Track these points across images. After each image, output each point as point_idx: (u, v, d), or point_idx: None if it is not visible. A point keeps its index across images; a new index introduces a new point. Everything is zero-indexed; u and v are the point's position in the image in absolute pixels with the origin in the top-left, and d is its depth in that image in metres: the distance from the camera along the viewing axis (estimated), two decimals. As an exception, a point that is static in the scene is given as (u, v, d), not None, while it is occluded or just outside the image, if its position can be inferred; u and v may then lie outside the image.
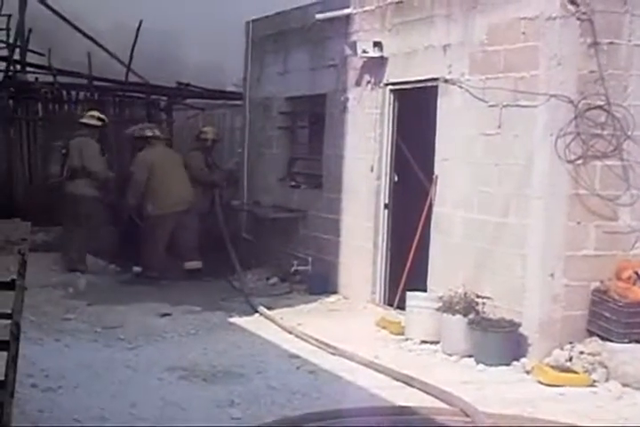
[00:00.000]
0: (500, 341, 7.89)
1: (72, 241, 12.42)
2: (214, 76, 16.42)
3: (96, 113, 12.98)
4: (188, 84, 15.81)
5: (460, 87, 8.91)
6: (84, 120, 12.82)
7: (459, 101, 8.98)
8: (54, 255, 12.71)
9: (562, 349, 7.74)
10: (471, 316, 8.18)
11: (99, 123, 12.76)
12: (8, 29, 15.02)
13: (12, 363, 4.70)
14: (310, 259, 11.66)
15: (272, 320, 9.71)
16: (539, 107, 7.95)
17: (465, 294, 8.34)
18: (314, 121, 12.36)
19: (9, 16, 15.00)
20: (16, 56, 15.08)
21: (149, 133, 12.75)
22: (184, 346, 8.60)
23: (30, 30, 15.06)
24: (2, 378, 4.90)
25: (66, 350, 8.36)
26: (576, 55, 7.86)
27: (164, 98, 15.27)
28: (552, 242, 7.90)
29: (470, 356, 8.07)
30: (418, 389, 7.13)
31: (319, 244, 11.57)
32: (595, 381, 7.39)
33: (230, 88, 16.19)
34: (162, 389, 7.11)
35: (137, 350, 8.43)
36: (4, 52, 15.10)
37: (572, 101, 7.84)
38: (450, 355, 8.23)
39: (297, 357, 8.19)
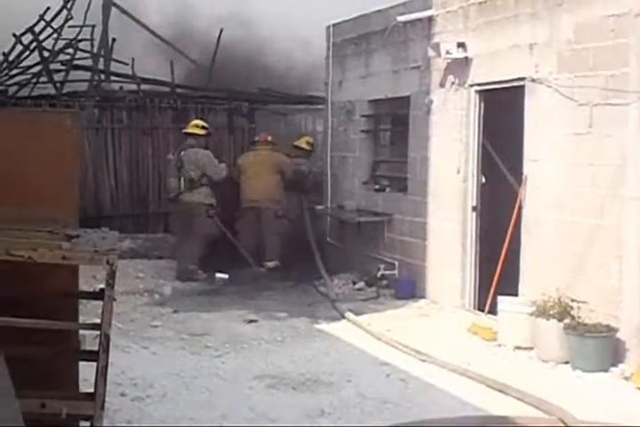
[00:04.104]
0: (598, 346, 7.64)
1: (187, 250, 12.53)
2: (295, 81, 16.38)
3: (200, 122, 13.32)
4: (269, 90, 15.81)
5: (549, 86, 8.70)
6: (188, 130, 13.11)
7: (547, 101, 8.77)
8: (140, 262, 12.83)
9: (661, 354, 7.48)
10: (567, 321, 7.93)
11: (203, 131, 13.12)
12: (92, 40, 15.24)
13: (102, 375, 4.63)
14: (397, 263, 11.52)
15: (360, 326, 9.58)
16: (631, 105, 7.71)
17: (559, 298, 8.09)
18: (397, 123, 12.24)
19: (93, 26, 15.23)
20: (100, 66, 15.29)
21: (256, 138, 13.77)
22: (271, 353, 8.52)
23: (114, 40, 15.27)
24: (91, 390, 4.86)
25: (153, 357, 8.36)
26: (668, 51, 7.62)
27: (246, 104, 15.29)
28: (649, 244, 7.63)
29: (566, 362, 7.84)
30: (514, 397, 6.94)
31: (405, 248, 11.41)
32: (697, 387, 7.13)
33: (312, 92, 16.13)
34: (250, 398, 7.03)
35: (224, 357, 8.38)
36: (89, 62, 15.32)
37: (665, 99, 7.59)
38: (545, 361, 8.00)
39: (387, 364, 8.05)
